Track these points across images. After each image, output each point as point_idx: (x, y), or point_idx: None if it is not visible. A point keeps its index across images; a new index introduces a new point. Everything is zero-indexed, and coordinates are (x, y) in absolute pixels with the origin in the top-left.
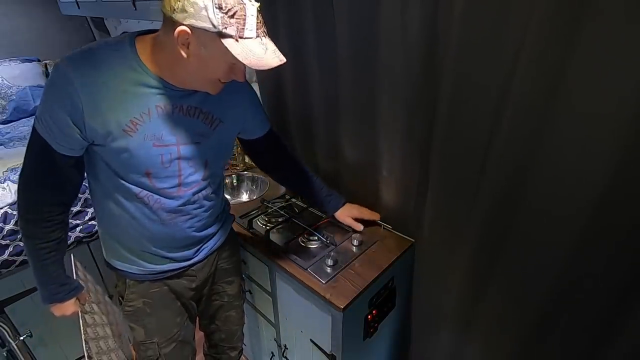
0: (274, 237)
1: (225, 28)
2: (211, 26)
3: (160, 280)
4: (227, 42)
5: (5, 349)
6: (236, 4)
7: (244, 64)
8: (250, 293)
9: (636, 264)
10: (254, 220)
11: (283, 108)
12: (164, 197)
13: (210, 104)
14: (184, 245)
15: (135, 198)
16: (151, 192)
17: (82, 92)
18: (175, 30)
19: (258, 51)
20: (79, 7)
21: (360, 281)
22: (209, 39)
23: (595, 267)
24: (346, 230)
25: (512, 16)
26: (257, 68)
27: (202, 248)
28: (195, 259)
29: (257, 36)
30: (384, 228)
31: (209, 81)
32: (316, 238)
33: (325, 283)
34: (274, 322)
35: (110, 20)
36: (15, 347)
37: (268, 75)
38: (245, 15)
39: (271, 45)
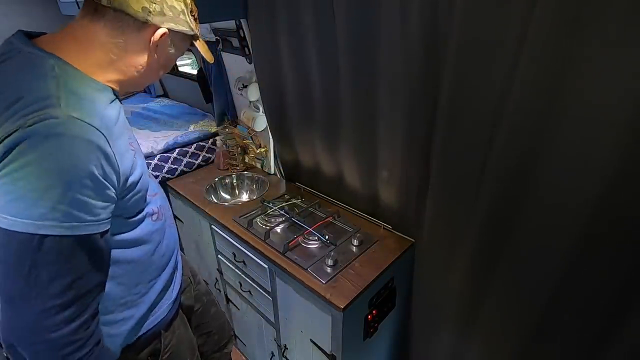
0: (274, 237)
1: (197, 29)
2: (189, 29)
3: (178, 301)
4: (198, 44)
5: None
6: (194, 8)
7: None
8: (251, 293)
9: (636, 264)
10: (254, 220)
11: (283, 109)
12: (160, 200)
13: None
14: (176, 243)
15: (151, 219)
16: (153, 204)
17: (105, 134)
18: (149, 31)
19: (206, 46)
20: (79, 7)
21: (360, 281)
22: (181, 40)
23: (595, 267)
24: (346, 230)
25: (513, 15)
26: (210, 60)
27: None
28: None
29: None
30: (384, 228)
31: (154, 79)
32: (316, 238)
33: (325, 283)
34: (274, 322)
35: None
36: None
37: (268, 76)
38: (196, 17)
39: None
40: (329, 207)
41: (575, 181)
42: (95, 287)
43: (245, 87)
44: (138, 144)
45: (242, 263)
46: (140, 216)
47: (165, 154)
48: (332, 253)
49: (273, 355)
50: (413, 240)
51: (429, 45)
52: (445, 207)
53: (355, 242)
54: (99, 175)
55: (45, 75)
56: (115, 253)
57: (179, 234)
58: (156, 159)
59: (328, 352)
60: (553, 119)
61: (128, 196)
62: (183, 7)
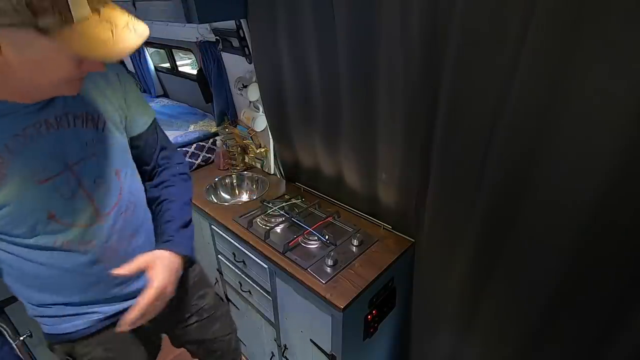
0: (274, 237)
1: (40, 17)
2: (11, 19)
3: (112, 324)
4: (50, 36)
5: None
6: None
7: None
8: (250, 293)
9: (636, 264)
10: (254, 220)
11: (283, 109)
12: (87, 233)
13: (80, 103)
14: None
15: (53, 250)
16: (68, 233)
17: None
18: None
19: (101, 33)
20: None
21: (360, 281)
22: (21, 36)
23: (595, 267)
24: (346, 230)
25: (513, 16)
26: (104, 59)
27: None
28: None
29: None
30: (384, 228)
31: (60, 84)
32: (316, 238)
33: (325, 283)
34: (274, 322)
35: None
36: (15, 347)
37: (268, 76)
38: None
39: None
40: (329, 207)
41: (576, 181)
42: None
43: (245, 87)
44: (51, 165)
45: (242, 263)
46: (33, 242)
47: None
48: (332, 253)
49: (273, 355)
50: (413, 240)
51: (429, 45)
52: (445, 207)
53: (355, 242)
54: None
55: None
56: (9, 258)
57: None
58: None
59: (328, 352)
60: (553, 119)
61: None
62: None
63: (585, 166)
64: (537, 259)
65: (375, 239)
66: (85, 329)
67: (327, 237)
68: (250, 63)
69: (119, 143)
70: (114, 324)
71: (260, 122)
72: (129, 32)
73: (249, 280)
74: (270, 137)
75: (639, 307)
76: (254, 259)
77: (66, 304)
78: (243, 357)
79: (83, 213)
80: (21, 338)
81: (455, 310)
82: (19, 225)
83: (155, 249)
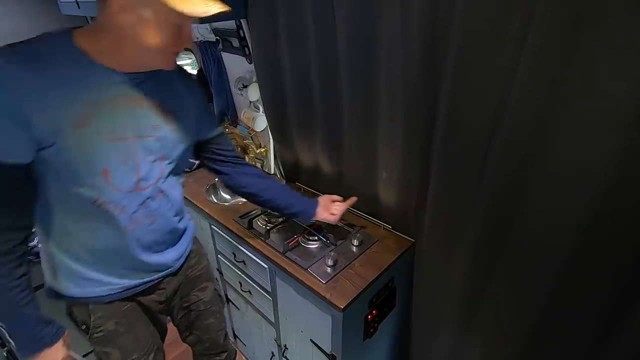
0: (274, 237)
1: None
2: None
3: (130, 297)
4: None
5: (5, 349)
6: None
7: (189, 25)
8: (251, 293)
9: (636, 265)
10: (254, 220)
11: (283, 109)
12: (124, 198)
13: (161, 94)
14: (155, 250)
15: (94, 205)
16: (109, 193)
17: (24, 84)
18: None
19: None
20: (79, 7)
21: (360, 281)
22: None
23: (595, 268)
24: (346, 230)
25: (513, 16)
26: (201, 15)
27: (171, 251)
28: (169, 271)
29: None
30: (384, 228)
31: (159, 52)
32: (316, 238)
33: (325, 283)
34: (274, 322)
35: None
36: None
37: (268, 76)
38: None
39: None
40: None
41: (576, 181)
42: (5, 210)
43: (245, 87)
44: (128, 132)
45: (242, 263)
46: (75, 190)
47: None
48: (332, 253)
49: (273, 355)
50: (413, 240)
51: (429, 45)
52: (445, 207)
53: (355, 242)
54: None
55: (42, 35)
56: (52, 205)
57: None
58: None
59: (328, 352)
60: (553, 120)
61: (51, 153)
62: None
63: (585, 166)
64: (537, 259)
65: (375, 239)
66: (104, 296)
67: (327, 237)
68: (250, 63)
69: (177, 136)
70: (126, 299)
71: (260, 122)
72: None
73: (249, 280)
74: (270, 137)
75: (639, 307)
76: (254, 259)
77: (94, 265)
78: (243, 357)
79: (128, 180)
80: None
81: (455, 310)
82: (78, 169)
83: (306, 218)
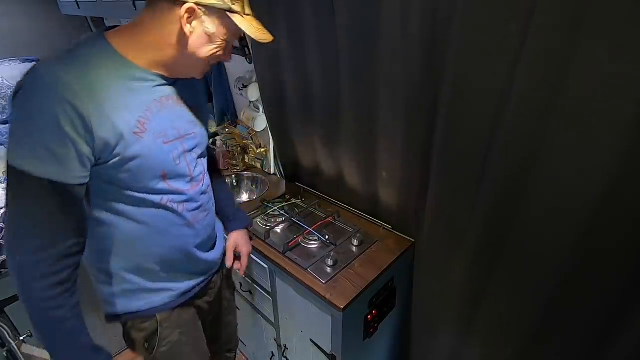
0: (274, 237)
1: (234, 4)
2: (221, 3)
3: (189, 301)
4: (235, 18)
5: (5, 349)
6: None
7: (233, 41)
8: (251, 293)
9: (637, 265)
10: (254, 220)
11: (283, 109)
12: (183, 196)
13: (186, 92)
14: (209, 247)
15: (156, 207)
16: (171, 194)
17: (84, 97)
18: (180, 8)
19: (258, 26)
20: (79, 7)
21: (360, 281)
22: (216, 15)
23: (595, 268)
24: (346, 230)
25: (513, 17)
26: (261, 41)
27: (218, 247)
28: (216, 268)
29: (253, 13)
30: (384, 228)
31: (201, 63)
32: (316, 238)
33: (325, 283)
34: (274, 322)
35: (110, 20)
36: (15, 347)
37: (268, 76)
38: None
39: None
40: (329, 207)
41: (576, 181)
42: (64, 232)
43: (245, 87)
44: (174, 132)
45: None
46: (142, 196)
47: None
48: (332, 253)
49: (273, 355)
50: (413, 240)
51: (429, 45)
52: (445, 207)
53: (355, 242)
54: (64, 125)
55: (75, 46)
56: (111, 218)
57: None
58: None
59: (328, 352)
60: (553, 120)
61: (114, 165)
62: None
63: (585, 167)
64: (537, 259)
65: (375, 239)
66: (169, 302)
67: (327, 237)
68: (250, 63)
69: (204, 130)
70: (186, 304)
71: (260, 122)
72: (267, 31)
73: (249, 280)
74: (270, 137)
75: (639, 307)
76: (254, 259)
77: (158, 273)
78: (243, 357)
79: (183, 179)
80: (21, 338)
81: (455, 310)
82: (142, 178)
83: (226, 227)
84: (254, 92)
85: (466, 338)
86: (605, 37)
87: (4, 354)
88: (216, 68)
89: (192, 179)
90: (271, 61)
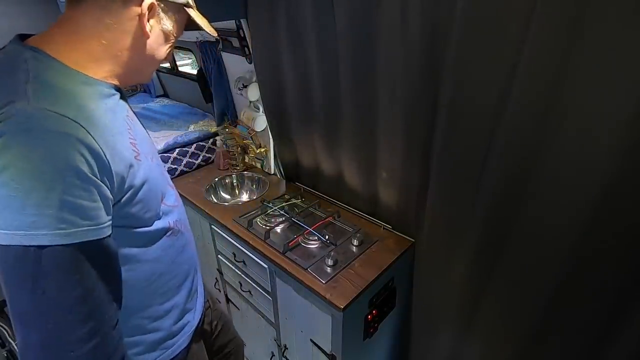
0: (274, 237)
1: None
2: None
3: (199, 330)
4: (191, 12)
5: (6, 349)
6: None
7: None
8: (250, 293)
9: (636, 265)
10: (254, 220)
11: (283, 109)
12: (177, 213)
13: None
14: (195, 265)
15: (165, 233)
16: (170, 214)
17: (91, 132)
18: (139, 6)
19: (205, 20)
20: None
21: (360, 281)
22: (172, 11)
23: (595, 268)
24: (346, 230)
25: (513, 17)
26: (213, 34)
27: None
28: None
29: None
30: (384, 228)
31: (155, 65)
32: (316, 238)
33: (325, 283)
34: (274, 322)
35: None
36: (16, 347)
37: (268, 77)
38: None
39: None
40: (329, 207)
41: (576, 182)
42: (110, 300)
43: (245, 87)
44: (150, 148)
45: (242, 263)
46: (153, 228)
47: (165, 154)
48: (332, 253)
49: (273, 355)
50: (413, 240)
51: (429, 45)
52: (445, 207)
53: (355, 242)
54: (86, 172)
55: (16, 69)
56: (124, 270)
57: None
58: None
59: (328, 352)
60: (553, 121)
61: (126, 200)
62: None
63: (585, 167)
64: (537, 259)
65: (375, 239)
66: (184, 348)
67: (327, 237)
68: (250, 63)
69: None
70: (198, 334)
71: (260, 122)
72: (210, 26)
73: (249, 280)
74: (270, 137)
75: (639, 306)
76: (254, 259)
77: (173, 310)
78: (243, 357)
79: (171, 195)
80: None
81: (455, 310)
82: (151, 205)
83: None
84: (254, 92)
85: (466, 338)
86: (605, 37)
87: (4, 354)
88: (216, 68)
89: (176, 195)
90: (271, 61)
